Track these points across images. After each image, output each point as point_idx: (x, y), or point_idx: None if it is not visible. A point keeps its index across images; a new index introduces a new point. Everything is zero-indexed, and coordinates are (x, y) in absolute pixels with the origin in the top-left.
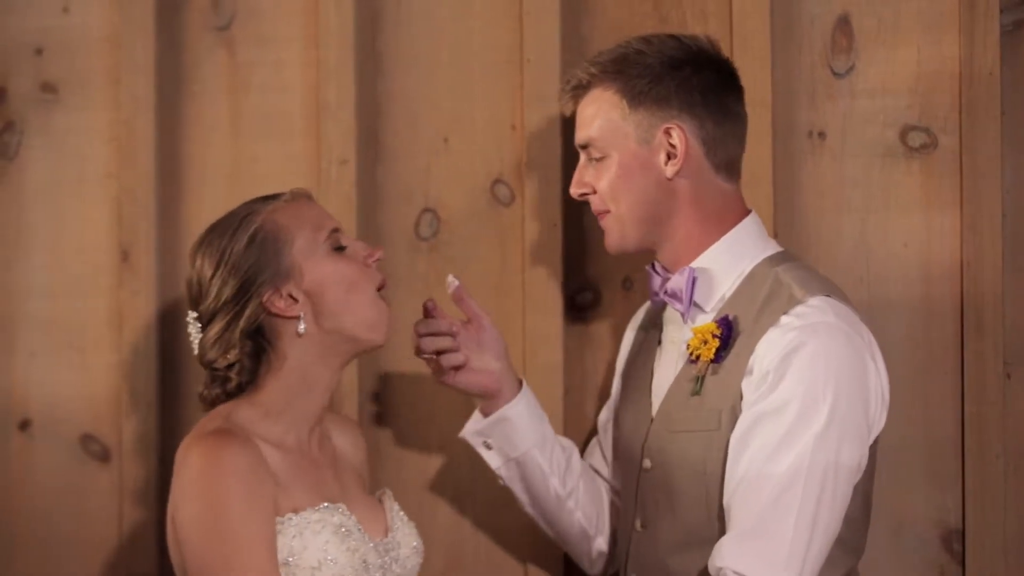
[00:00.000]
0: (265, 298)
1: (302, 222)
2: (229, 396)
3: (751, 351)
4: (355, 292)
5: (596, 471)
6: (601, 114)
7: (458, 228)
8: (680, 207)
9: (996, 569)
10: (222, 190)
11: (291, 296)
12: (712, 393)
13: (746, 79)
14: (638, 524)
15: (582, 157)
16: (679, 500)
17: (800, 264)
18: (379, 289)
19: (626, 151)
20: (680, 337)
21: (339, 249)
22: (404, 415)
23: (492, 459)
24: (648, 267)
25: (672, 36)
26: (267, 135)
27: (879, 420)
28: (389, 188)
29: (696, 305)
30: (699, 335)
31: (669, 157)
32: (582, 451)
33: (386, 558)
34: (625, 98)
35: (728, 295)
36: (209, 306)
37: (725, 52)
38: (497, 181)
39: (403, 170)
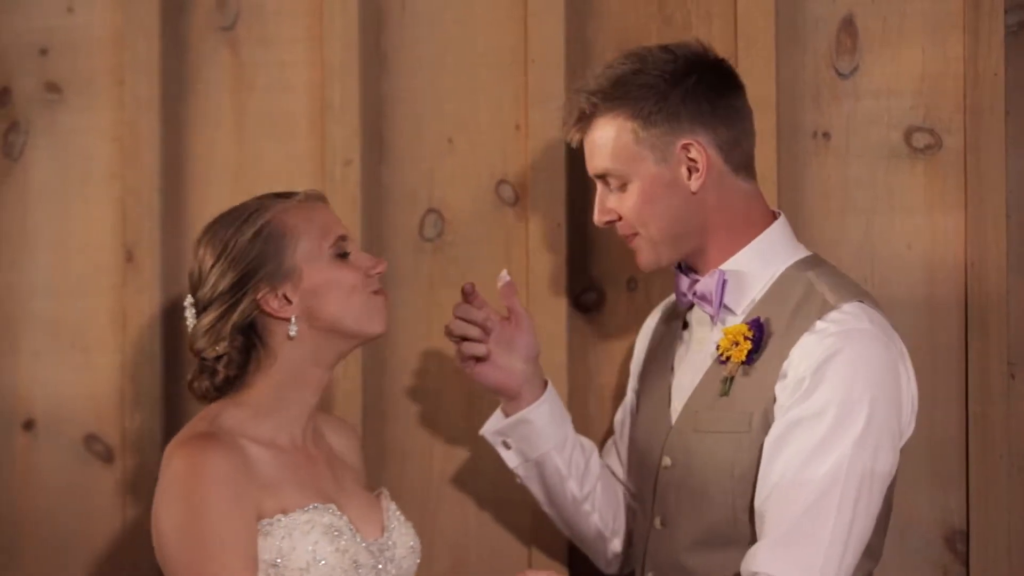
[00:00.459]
0: (260, 296)
1: (310, 225)
2: (218, 390)
3: (785, 355)
4: (352, 296)
5: (613, 472)
6: (613, 142)
7: (462, 228)
8: (709, 217)
9: (1000, 570)
10: (226, 190)
11: (286, 297)
12: (742, 395)
13: (751, 80)
14: (657, 522)
15: (600, 185)
16: (702, 499)
17: (831, 269)
18: (377, 295)
19: (646, 175)
20: (708, 337)
21: (342, 256)
22: (408, 413)
23: (510, 459)
24: (675, 268)
25: (662, 48)
26: (271, 135)
27: (909, 426)
28: (393, 188)
29: (726, 307)
30: (730, 336)
31: (690, 171)
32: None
33: (380, 558)
34: (635, 122)
35: (758, 298)
36: (205, 294)
37: (729, 53)
38: (501, 181)
39: (407, 170)
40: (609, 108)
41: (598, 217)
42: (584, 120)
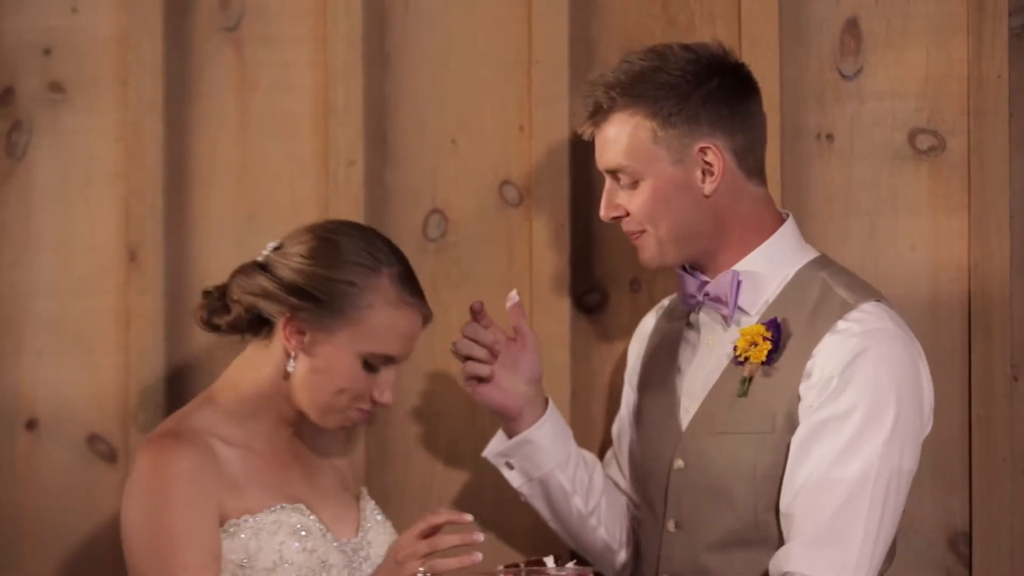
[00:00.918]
0: (289, 316)
1: (385, 329)
2: (209, 327)
3: (807, 355)
4: (335, 397)
5: (616, 484)
6: (629, 139)
7: (466, 229)
8: (719, 220)
9: (1003, 571)
10: (230, 190)
11: (302, 338)
12: (761, 395)
13: None
14: (671, 525)
15: (608, 179)
16: (722, 501)
17: (841, 268)
18: (360, 413)
19: (660, 174)
20: (719, 339)
21: (371, 368)
22: (410, 415)
23: (514, 479)
24: (679, 270)
25: (684, 47)
26: (275, 136)
27: (929, 423)
28: (397, 189)
29: (739, 308)
30: (747, 337)
31: (705, 174)
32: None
33: (354, 558)
34: (654, 121)
35: (772, 299)
36: (275, 262)
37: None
38: (505, 182)
39: (411, 171)
40: (628, 104)
41: (605, 212)
42: (600, 114)
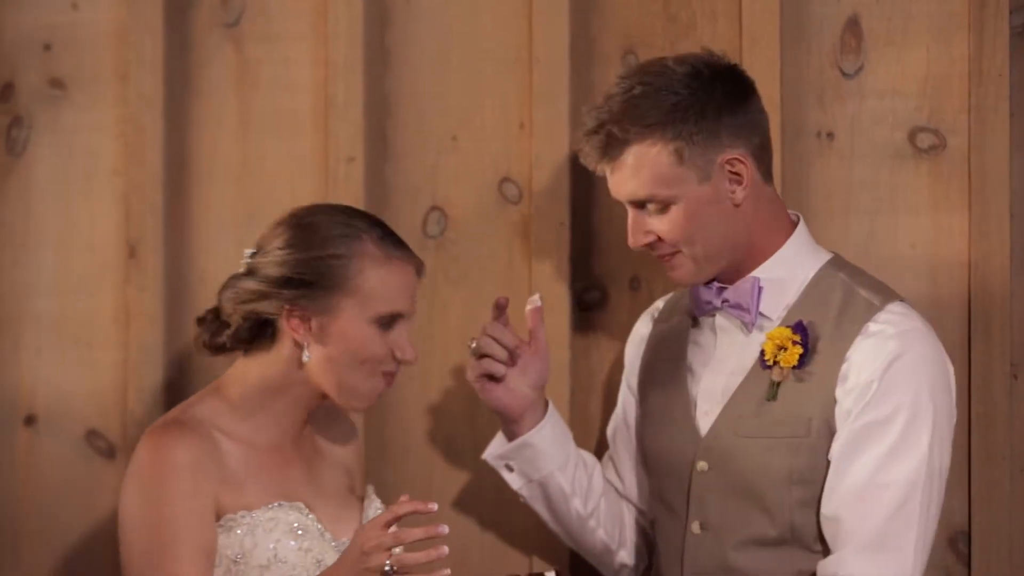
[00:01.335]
0: (289, 308)
1: (382, 286)
2: (213, 349)
3: (840, 358)
4: (360, 366)
5: (613, 487)
6: (652, 167)
7: (466, 226)
8: (749, 228)
9: (1002, 570)
10: (230, 187)
11: (309, 325)
12: (795, 399)
13: (755, 79)
14: (695, 527)
15: (631, 209)
16: (753, 503)
17: (858, 268)
18: (387, 377)
19: (690, 195)
20: (739, 342)
21: (386, 326)
22: (410, 411)
23: (513, 481)
24: None
25: (677, 61)
26: (275, 133)
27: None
28: (397, 186)
29: (762, 315)
30: (775, 341)
31: (731, 184)
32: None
33: None
34: (676, 143)
35: (793, 302)
36: (258, 264)
37: (734, 52)
38: (505, 180)
39: (411, 168)
40: (644, 134)
41: (634, 241)
42: (615, 147)
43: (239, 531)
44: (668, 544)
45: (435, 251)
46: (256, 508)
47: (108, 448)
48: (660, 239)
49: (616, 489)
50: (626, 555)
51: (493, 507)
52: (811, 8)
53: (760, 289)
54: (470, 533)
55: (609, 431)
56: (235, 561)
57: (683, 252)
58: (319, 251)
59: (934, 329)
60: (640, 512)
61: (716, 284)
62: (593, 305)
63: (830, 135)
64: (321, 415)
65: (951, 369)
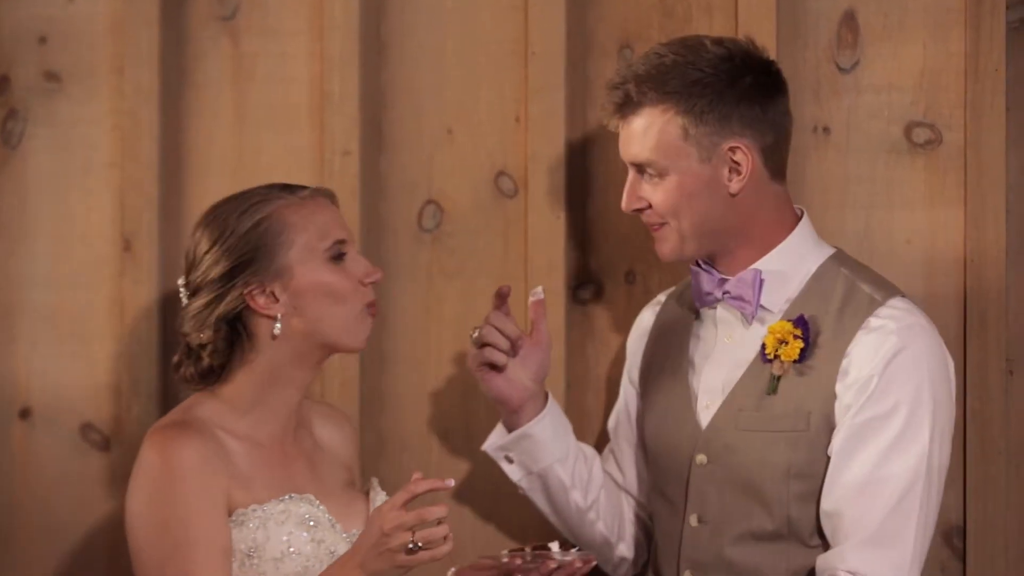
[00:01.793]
0: (248, 290)
1: (309, 224)
2: (201, 377)
3: (841, 353)
4: (340, 305)
5: (613, 479)
6: (659, 134)
7: (461, 220)
8: (743, 218)
9: (997, 565)
10: (225, 180)
11: (273, 295)
12: (795, 393)
13: None
14: (693, 520)
15: (632, 171)
16: (752, 497)
17: (860, 263)
18: (368, 306)
19: (688, 171)
20: (740, 335)
21: (337, 259)
22: (406, 404)
23: (513, 472)
24: (694, 267)
25: (715, 42)
26: (271, 126)
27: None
28: (392, 179)
29: (763, 308)
30: (776, 334)
31: (732, 172)
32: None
33: None
34: (686, 117)
35: (795, 296)
36: (197, 279)
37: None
38: (501, 173)
39: (407, 161)
40: (659, 99)
41: (627, 203)
42: (629, 107)
43: (251, 525)
44: (666, 537)
45: (431, 244)
46: (266, 502)
47: (103, 441)
48: (651, 207)
49: (616, 482)
50: (625, 548)
51: (489, 500)
52: (807, 3)
53: (761, 281)
54: (465, 526)
55: (611, 423)
56: (248, 555)
57: (670, 224)
58: (242, 228)
59: (936, 325)
60: (640, 505)
61: (718, 275)
62: (588, 299)
63: (826, 130)
64: (318, 414)
65: (951, 365)
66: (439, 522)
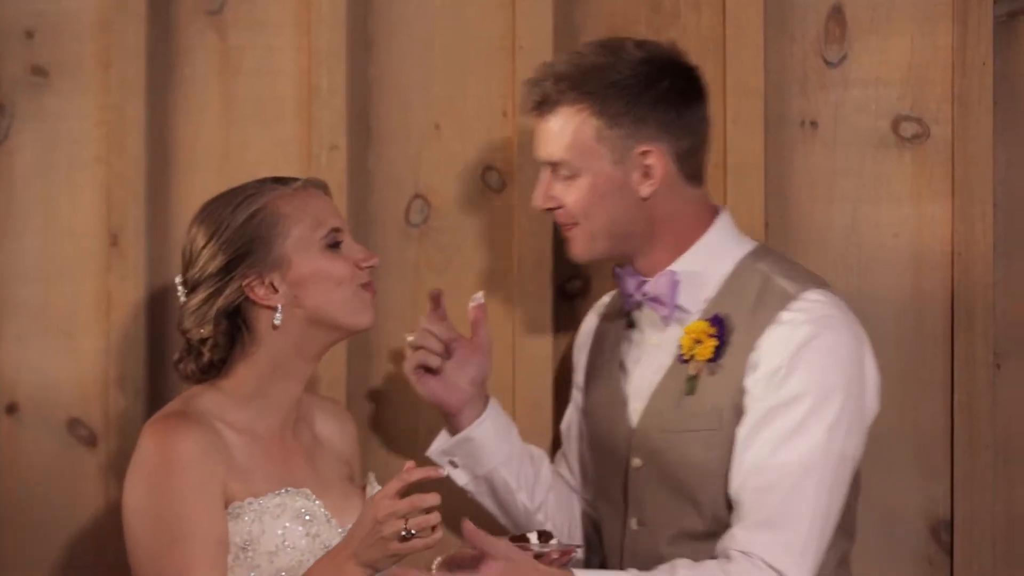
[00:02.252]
0: (246, 282)
1: (303, 214)
2: (203, 372)
3: (751, 348)
4: (339, 289)
5: (566, 481)
6: (573, 134)
7: (449, 215)
8: (654, 222)
9: (984, 559)
10: (212, 175)
11: (272, 286)
12: (709, 392)
13: (739, 67)
14: (633, 523)
15: (546, 170)
16: (683, 498)
17: (781, 257)
18: (367, 288)
19: (600, 172)
20: (662, 337)
21: (333, 247)
22: (393, 399)
23: (459, 477)
24: (616, 269)
25: (637, 44)
26: (258, 120)
27: (875, 408)
28: (380, 174)
29: (679, 307)
30: (692, 335)
31: (644, 176)
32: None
33: None
34: (600, 119)
35: (713, 295)
36: (194, 275)
37: (717, 40)
38: (488, 168)
39: (394, 156)
40: (576, 99)
41: (540, 202)
42: (547, 104)
43: (247, 518)
44: (611, 539)
45: (418, 239)
46: (263, 495)
47: (90, 436)
48: (562, 207)
49: (568, 484)
50: (579, 551)
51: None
52: None
53: (676, 282)
54: (452, 518)
55: (563, 426)
56: (243, 548)
57: (581, 225)
58: (237, 221)
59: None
60: (591, 506)
61: (639, 277)
62: (575, 294)
63: (813, 124)
64: (319, 408)
65: (869, 358)
66: (430, 510)
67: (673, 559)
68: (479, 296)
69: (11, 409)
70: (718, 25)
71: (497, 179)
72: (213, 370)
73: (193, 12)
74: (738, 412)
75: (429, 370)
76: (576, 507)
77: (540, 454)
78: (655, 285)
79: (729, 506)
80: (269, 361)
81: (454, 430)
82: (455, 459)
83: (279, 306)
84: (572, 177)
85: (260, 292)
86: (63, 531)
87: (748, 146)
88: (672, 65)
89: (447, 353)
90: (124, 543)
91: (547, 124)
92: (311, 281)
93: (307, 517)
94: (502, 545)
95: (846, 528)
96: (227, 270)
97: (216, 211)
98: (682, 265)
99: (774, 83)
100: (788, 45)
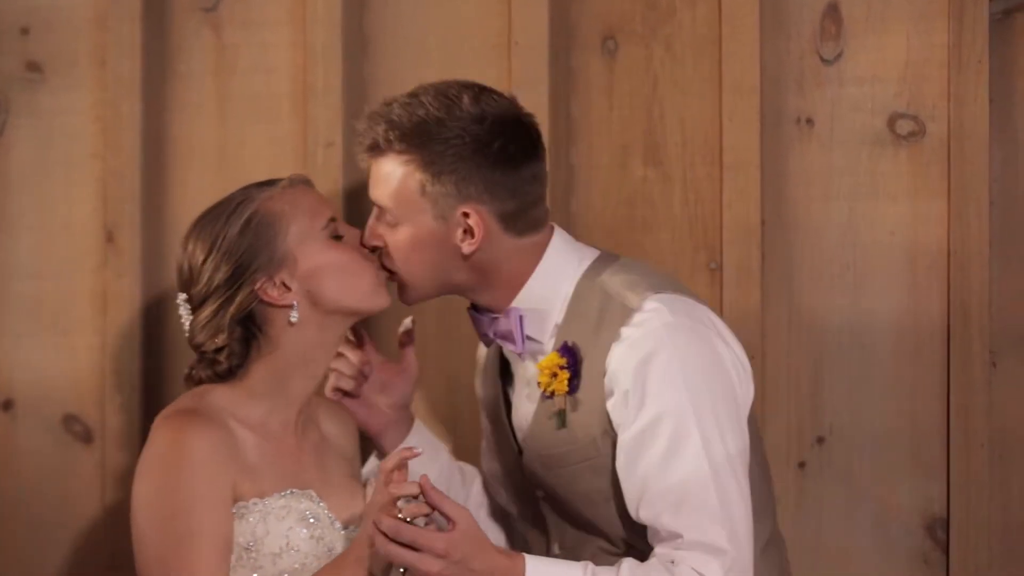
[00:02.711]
0: (258, 286)
1: (298, 209)
2: (220, 378)
3: (603, 371)
4: (353, 275)
5: (495, 498)
6: (399, 184)
7: None
8: (479, 273)
9: (980, 558)
10: (208, 172)
11: (284, 284)
12: (578, 424)
13: (735, 65)
14: (556, 548)
15: (375, 208)
16: (590, 526)
17: (619, 265)
18: (382, 268)
19: (421, 225)
20: (527, 374)
21: (336, 238)
22: None
23: None
24: (469, 309)
25: (474, 99)
26: (253, 117)
27: (748, 393)
28: None
29: (531, 340)
30: (546, 370)
31: (465, 234)
32: None
33: None
34: (425, 173)
35: (560, 321)
36: (200, 291)
37: (713, 38)
38: None
39: None
40: (404, 150)
41: (366, 238)
42: (376, 150)
43: (251, 519)
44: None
45: None
46: (269, 495)
47: (85, 433)
48: (386, 248)
49: (499, 503)
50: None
51: None
52: None
53: (521, 318)
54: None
55: (482, 446)
56: (247, 548)
57: (399, 274)
58: (234, 230)
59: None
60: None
61: (490, 315)
62: None
63: (809, 121)
64: (324, 408)
65: (724, 348)
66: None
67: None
68: (408, 322)
69: (6, 406)
70: (714, 22)
71: None
72: (230, 375)
73: (189, 9)
74: (610, 436)
75: (349, 393)
76: (509, 523)
77: (472, 471)
78: (502, 323)
79: (634, 527)
80: (289, 358)
81: (381, 452)
82: None
83: (294, 303)
84: (395, 225)
85: (273, 293)
86: (59, 528)
87: (744, 144)
88: (506, 124)
89: (362, 377)
90: (119, 539)
91: (377, 167)
92: (322, 273)
93: (311, 519)
94: (462, 512)
95: (760, 510)
96: (234, 279)
97: (209, 225)
98: (522, 302)
99: (770, 80)
100: (784, 42)
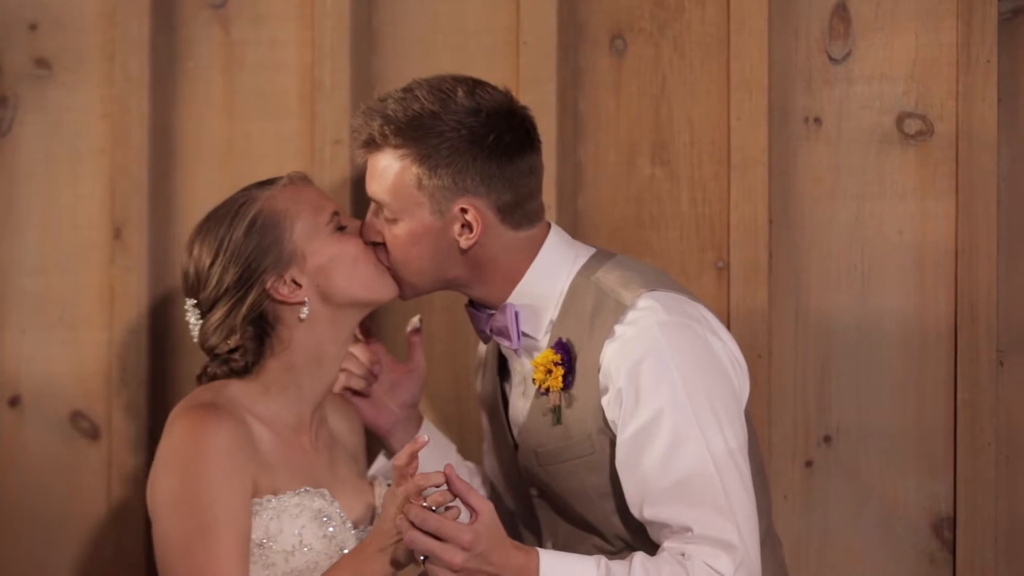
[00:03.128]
0: (268, 285)
1: (301, 206)
2: (236, 374)
3: (597, 368)
4: (359, 266)
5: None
6: (395, 178)
7: None
8: (478, 266)
9: (986, 556)
10: (215, 168)
11: (294, 282)
12: (574, 420)
13: (743, 63)
14: (549, 545)
15: (373, 204)
16: (583, 524)
17: (614, 262)
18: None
19: (419, 220)
20: (523, 370)
21: (341, 229)
22: None
23: None
24: (467, 306)
25: (469, 92)
26: (261, 114)
27: (744, 387)
28: None
29: (527, 336)
30: (540, 367)
31: (463, 228)
32: None
33: None
34: (422, 168)
35: (555, 317)
36: (210, 294)
37: (722, 36)
38: None
39: None
40: (400, 144)
41: (365, 234)
42: (371, 145)
43: (265, 516)
44: None
45: None
46: (283, 492)
47: (92, 429)
48: (385, 243)
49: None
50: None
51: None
52: None
53: (516, 314)
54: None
55: (484, 446)
56: (260, 545)
57: (397, 270)
58: (239, 232)
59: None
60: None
61: (487, 311)
62: None
63: (817, 120)
64: (331, 405)
65: (719, 344)
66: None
67: None
68: (416, 321)
69: (13, 401)
70: (722, 21)
71: None
72: (246, 372)
73: (197, 6)
74: (606, 433)
75: (359, 392)
76: (512, 521)
77: (475, 469)
78: (498, 320)
79: (629, 524)
80: (302, 353)
81: (389, 451)
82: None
83: (306, 299)
84: (393, 220)
85: (285, 291)
86: (65, 523)
87: (752, 142)
88: (501, 116)
89: (372, 376)
90: (125, 535)
91: (373, 162)
92: (331, 266)
93: (324, 518)
94: (486, 505)
95: (760, 509)
96: (244, 280)
97: (213, 229)
98: (517, 297)
99: (778, 79)
100: (792, 41)
